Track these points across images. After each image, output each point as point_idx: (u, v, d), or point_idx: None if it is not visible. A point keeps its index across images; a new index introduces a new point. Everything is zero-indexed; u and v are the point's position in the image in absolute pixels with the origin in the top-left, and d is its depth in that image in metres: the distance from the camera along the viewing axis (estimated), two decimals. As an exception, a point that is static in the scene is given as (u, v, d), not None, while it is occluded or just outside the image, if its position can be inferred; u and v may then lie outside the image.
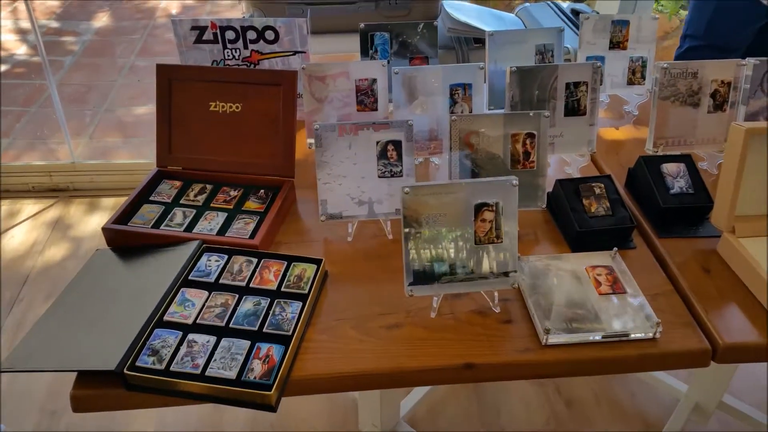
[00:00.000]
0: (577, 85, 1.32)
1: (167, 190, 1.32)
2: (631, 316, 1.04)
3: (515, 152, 1.22)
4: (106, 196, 2.98)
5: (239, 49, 1.54)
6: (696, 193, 1.24)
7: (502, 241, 1.05)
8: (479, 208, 1.04)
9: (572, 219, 1.20)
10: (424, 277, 1.05)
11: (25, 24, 4.85)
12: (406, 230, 1.03)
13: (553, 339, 1.01)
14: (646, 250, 1.20)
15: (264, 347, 0.97)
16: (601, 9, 2.95)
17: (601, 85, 1.52)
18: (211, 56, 1.56)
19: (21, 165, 3.04)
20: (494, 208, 1.04)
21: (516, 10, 2.61)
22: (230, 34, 1.52)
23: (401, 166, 1.22)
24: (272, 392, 0.90)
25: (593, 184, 1.24)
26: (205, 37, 1.54)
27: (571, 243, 1.21)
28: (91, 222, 2.81)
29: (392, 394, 1.61)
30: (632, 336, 1.01)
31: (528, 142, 1.21)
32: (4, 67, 4.19)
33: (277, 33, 1.52)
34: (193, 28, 1.52)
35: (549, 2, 2.55)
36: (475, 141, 1.22)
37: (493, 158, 1.23)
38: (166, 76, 1.35)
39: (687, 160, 1.28)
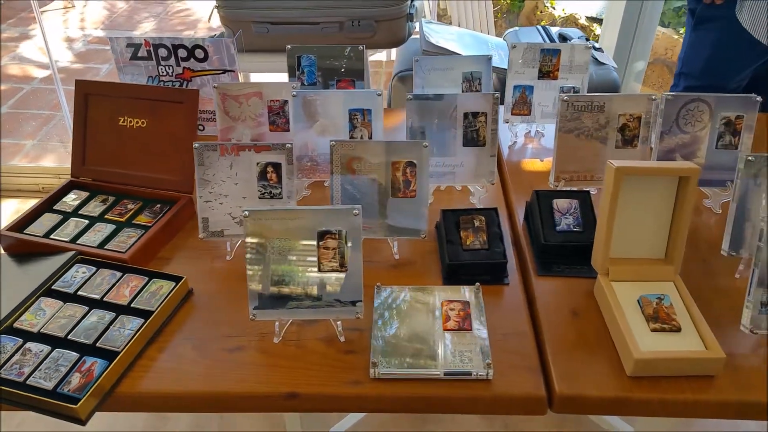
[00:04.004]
0: (475, 115, 1.30)
1: (71, 200, 1.36)
2: (468, 354, 1.01)
3: (396, 180, 1.20)
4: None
5: (172, 66, 1.58)
6: (583, 232, 1.20)
7: (346, 270, 1.04)
8: (322, 236, 1.03)
9: (445, 251, 1.18)
10: (269, 301, 1.05)
11: (72, 33, 5.10)
12: (249, 254, 1.03)
13: (382, 373, 0.99)
14: (519, 287, 1.16)
15: (89, 361, 0.99)
16: (605, 32, 2.88)
17: (529, 114, 1.49)
18: (146, 72, 1.60)
19: (32, 166, 3.19)
20: (337, 236, 1.03)
21: (505, 33, 2.58)
22: (163, 52, 1.57)
23: (281, 188, 1.22)
24: (78, 406, 0.92)
25: (474, 216, 1.21)
26: (140, 54, 1.58)
27: (443, 275, 1.18)
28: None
29: (318, 419, 1.60)
30: (461, 375, 0.98)
31: (408, 170, 1.20)
32: (45, 73, 4.41)
33: (206, 51, 1.55)
34: (129, 45, 1.57)
35: (539, 26, 2.50)
36: (357, 167, 1.21)
37: (375, 185, 1.22)
38: (83, 91, 1.40)
39: (582, 196, 1.23)
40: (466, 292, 1.12)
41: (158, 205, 1.33)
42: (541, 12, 4.37)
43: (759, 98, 1.26)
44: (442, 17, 4.81)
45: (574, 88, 1.53)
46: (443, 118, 1.31)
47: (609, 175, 1.06)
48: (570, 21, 4.21)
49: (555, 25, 4.24)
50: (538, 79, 1.53)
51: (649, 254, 1.13)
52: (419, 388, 0.98)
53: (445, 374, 0.99)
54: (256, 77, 2.50)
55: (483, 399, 0.97)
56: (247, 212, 1.01)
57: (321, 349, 1.05)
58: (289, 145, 1.20)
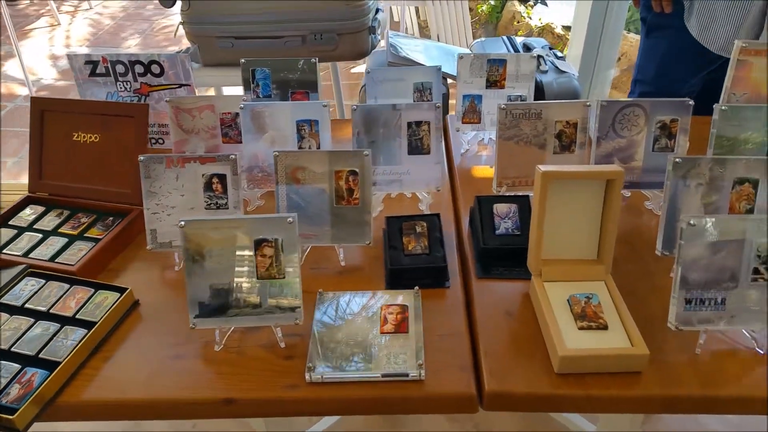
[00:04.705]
0: (419, 124, 1.33)
1: (27, 215, 1.39)
2: (403, 356, 1.03)
3: (339, 189, 1.23)
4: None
5: (130, 81, 1.62)
6: (521, 235, 1.23)
7: (284, 277, 1.07)
8: (259, 244, 1.06)
9: (387, 256, 1.21)
10: (210, 310, 1.08)
11: (57, 50, 5.15)
12: (189, 263, 1.06)
13: (317, 376, 1.01)
14: (459, 290, 1.19)
15: (30, 372, 1.01)
16: (573, 41, 2.93)
17: (479, 122, 1.53)
18: (105, 88, 1.64)
19: (16, 183, 3.22)
20: (273, 244, 1.06)
21: (472, 44, 2.62)
22: (120, 68, 1.60)
23: (227, 198, 1.25)
24: (15, 417, 0.94)
25: (416, 223, 1.24)
26: (98, 71, 1.62)
27: (385, 280, 1.21)
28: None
29: (285, 424, 1.63)
30: (398, 376, 1.01)
31: (351, 179, 1.23)
32: (26, 91, 4.45)
33: (162, 67, 1.58)
34: (87, 62, 1.61)
35: (504, 37, 2.55)
36: (302, 176, 1.24)
37: (320, 194, 1.25)
38: (39, 108, 1.44)
39: (522, 201, 1.27)
40: (406, 296, 1.14)
41: (111, 218, 1.36)
42: (518, 22, 4.42)
43: (692, 102, 1.30)
44: (424, 29, 4.87)
45: (521, 96, 1.56)
46: (388, 128, 1.34)
47: (537, 180, 1.09)
48: (546, 30, 4.26)
49: (532, 35, 4.30)
50: (486, 88, 1.56)
51: (582, 255, 1.16)
52: (354, 390, 1.00)
53: (383, 375, 1.01)
54: (227, 91, 2.54)
55: (416, 399, 1.00)
56: (183, 222, 1.04)
57: (261, 356, 1.07)
58: (233, 156, 1.23)
